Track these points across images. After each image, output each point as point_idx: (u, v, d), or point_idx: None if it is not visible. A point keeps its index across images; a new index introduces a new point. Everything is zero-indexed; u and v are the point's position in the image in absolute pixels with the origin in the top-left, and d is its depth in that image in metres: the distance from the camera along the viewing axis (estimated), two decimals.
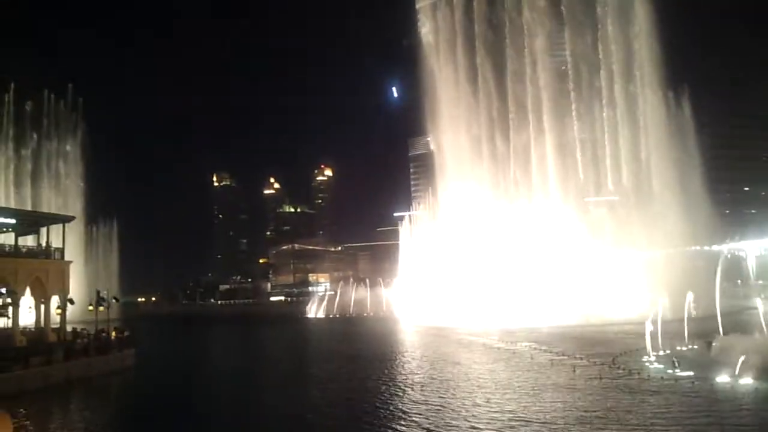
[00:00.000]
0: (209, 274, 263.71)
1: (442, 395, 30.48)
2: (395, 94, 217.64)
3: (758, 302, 35.76)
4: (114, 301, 59.69)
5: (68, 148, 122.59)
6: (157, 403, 32.79)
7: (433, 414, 26.25)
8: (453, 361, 44.02)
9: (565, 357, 41.05)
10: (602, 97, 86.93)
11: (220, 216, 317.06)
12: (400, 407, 27.97)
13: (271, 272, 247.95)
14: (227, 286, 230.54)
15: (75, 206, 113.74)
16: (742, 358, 29.15)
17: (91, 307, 52.34)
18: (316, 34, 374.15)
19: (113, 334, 47.04)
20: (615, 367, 35.09)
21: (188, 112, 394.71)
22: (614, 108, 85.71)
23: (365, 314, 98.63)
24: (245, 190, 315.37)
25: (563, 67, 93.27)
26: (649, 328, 37.08)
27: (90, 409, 31.81)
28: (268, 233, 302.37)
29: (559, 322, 65.73)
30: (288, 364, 48.46)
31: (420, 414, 26.36)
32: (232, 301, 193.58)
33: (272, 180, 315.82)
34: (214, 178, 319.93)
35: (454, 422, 24.68)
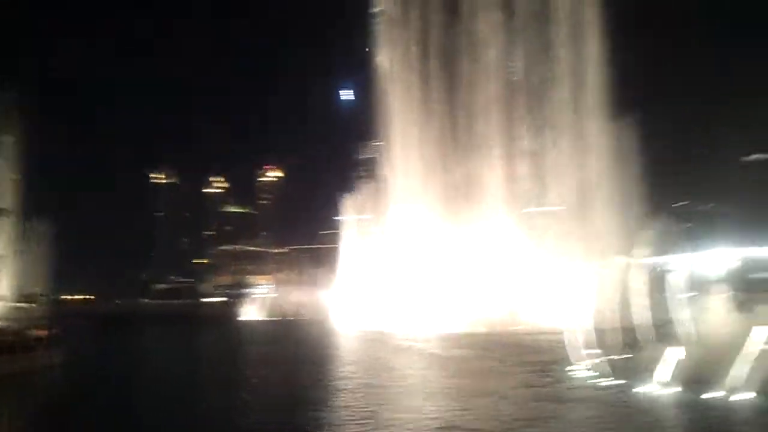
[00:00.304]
0: (147, 273, 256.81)
1: (372, 400, 29.97)
2: (347, 97, 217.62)
3: (682, 314, 36.69)
4: (43, 297, 57.17)
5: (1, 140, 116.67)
6: (76, 401, 31.29)
7: (362, 419, 25.73)
8: (388, 367, 43.75)
9: (499, 364, 41.35)
10: (551, 112, 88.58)
11: (161, 213, 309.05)
12: (329, 413, 27.34)
13: (211, 272, 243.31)
14: (165, 285, 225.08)
15: (6, 200, 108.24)
16: (666, 368, 29.68)
17: (20, 304, 50.12)
18: (269, 33, 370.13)
19: (39, 332, 45.09)
20: (546, 375, 35.46)
21: (131, 106, 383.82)
22: (561, 124, 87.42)
23: (305, 317, 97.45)
24: (188, 188, 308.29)
25: (515, 78, 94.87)
26: (580, 337, 37.60)
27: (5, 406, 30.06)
28: (210, 232, 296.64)
29: (495, 329, 66.48)
30: (220, 366, 47.20)
31: (349, 419, 25.79)
32: (169, 301, 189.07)
33: (216, 178, 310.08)
34: (157, 175, 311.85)
35: (382, 428, 24.21)
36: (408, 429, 23.80)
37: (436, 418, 25.60)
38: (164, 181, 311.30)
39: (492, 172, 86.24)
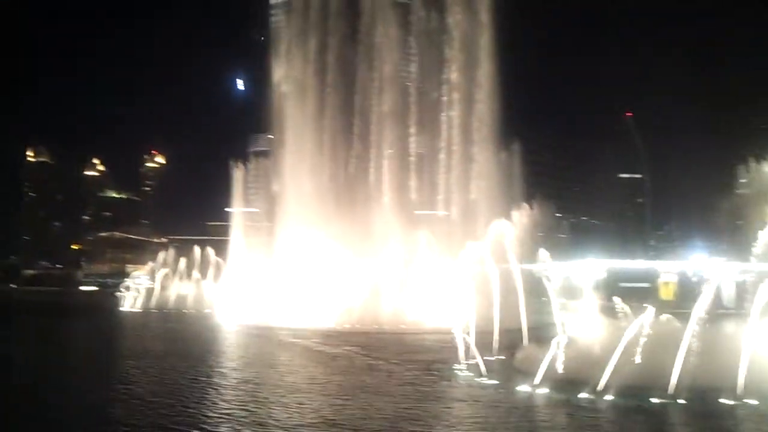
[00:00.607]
0: (12, 257, 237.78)
1: (251, 397, 29.20)
2: (240, 87, 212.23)
3: (558, 318, 38.58)
4: None
5: None
6: None
7: (238, 417, 24.92)
8: (270, 363, 42.93)
9: (384, 362, 41.62)
10: (442, 120, 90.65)
11: (32, 194, 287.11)
12: (204, 410, 26.25)
13: (85, 259, 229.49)
14: (36, 271, 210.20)
15: None
16: (543, 369, 31.02)
17: None
18: (162, 16, 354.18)
19: None
20: (429, 374, 36.09)
21: (7, 75, 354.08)
22: (450, 132, 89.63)
23: (186, 310, 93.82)
24: (63, 169, 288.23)
25: (407, 83, 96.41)
26: (462, 337, 38.57)
27: None
28: (86, 218, 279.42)
29: (382, 328, 67.09)
30: (92, 359, 44.23)
31: (224, 416, 24.87)
32: (40, 288, 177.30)
33: (96, 161, 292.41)
34: (29, 152, 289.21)
35: (259, 424, 23.53)
36: (286, 426, 23.30)
37: (316, 415, 25.30)
38: (37, 159, 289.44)
39: (383, 176, 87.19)
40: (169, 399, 28.14)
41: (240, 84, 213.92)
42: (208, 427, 22.91)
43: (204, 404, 27.26)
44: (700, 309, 29.95)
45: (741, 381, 27.51)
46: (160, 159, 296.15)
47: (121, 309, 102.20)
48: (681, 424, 25.12)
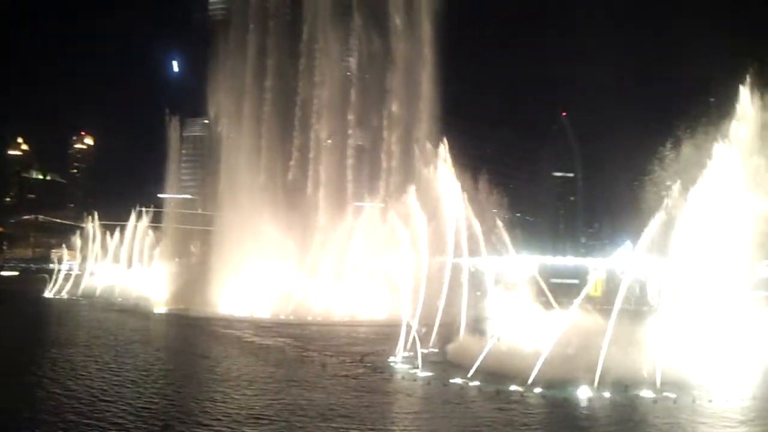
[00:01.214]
0: None
1: (178, 389, 28.31)
2: (175, 70, 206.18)
3: (493, 311, 39.19)
4: None
5: None
6: None
7: (161, 409, 24.08)
8: (200, 354, 41.88)
9: (316, 353, 41.24)
10: (381, 113, 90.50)
11: None
12: (125, 403, 25.23)
13: (6, 243, 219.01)
14: None
15: None
16: (477, 361, 31.35)
17: None
18: None
19: None
20: (362, 366, 35.96)
21: None
22: (391, 126, 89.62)
23: (114, 298, 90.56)
24: None
25: (348, 73, 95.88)
26: (397, 329, 38.69)
27: None
28: (8, 199, 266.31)
29: (317, 319, 66.68)
30: (9, 349, 41.83)
31: (145, 409, 23.95)
32: None
33: (20, 140, 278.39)
34: None
35: (181, 417, 22.76)
36: (209, 421, 22.63)
37: (244, 407, 24.73)
38: None
39: (320, 166, 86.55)
40: (87, 392, 26.89)
41: (175, 66, 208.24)
42: (125, 423, 21.93)
43: (124, 397, 26.20)
44: (620, 304, 31.12)
45: (660, 374, 28.71)
46: (89, 140, 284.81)
47: (44, 296, 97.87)
48: (605, 416, 25.84)
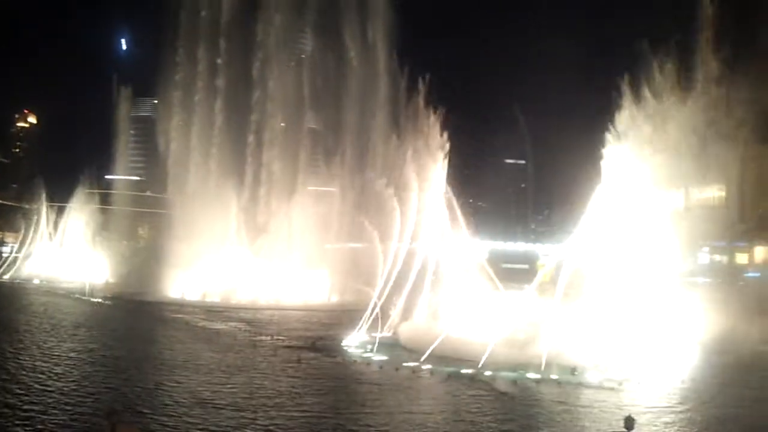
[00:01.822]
0: None
1: (123, 376, 27.58)
2: (124, 47, 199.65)
3: (446, 296, 39.58)
4: None
5: None
6: None
7: (108, 395, 23.46)
8: (147, 339, 40.97)
9: (269, 338, 40.88)
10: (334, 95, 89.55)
11: None
12: (70, 387, 24.52)
13: None
14: None
15: None
16: (429, 344, 31.78)
17: None
18: None
19: None
20: (314, 350, 35.79)
21: None
22: (344, 111, 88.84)
23: (56, 281, 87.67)
24: None
25: (302, 55, 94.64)
26: (350, 314, 38.71)
27: None
28: None
29: (269, 303, 66.21)
30: None
31: (84, 395, 23.27)
32: None
33: None
34: None
35: (127, 403, 22.18)
36: (156, 405, 22.19)
37: (190, 394, 24.32)
38: None
39: (275, 148, 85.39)
40: (26, 378, 25.97)
41: (123, 44, 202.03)
42: (67, 410, 21.27)
43: (67, 383, 25.44)
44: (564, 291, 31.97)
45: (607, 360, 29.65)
46: (32, 119, 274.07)
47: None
48: (547, 397, 26.39)
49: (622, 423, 15.23)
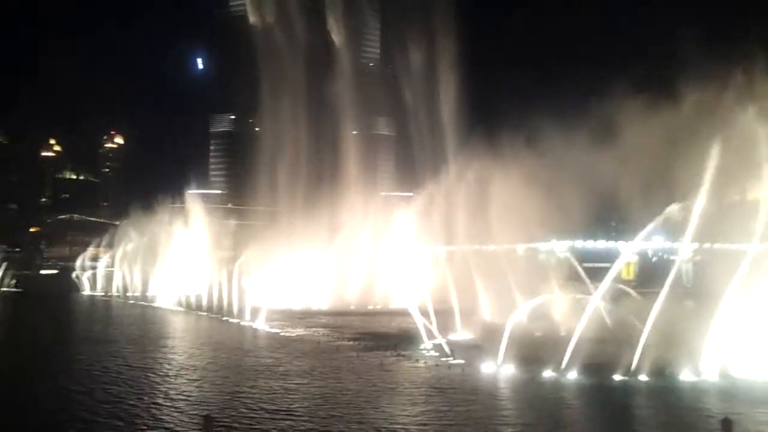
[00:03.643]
0: None
1: (213, 382, 28.69)
2: (200, 66, 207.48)
3: (517, 296, 38.93)
4: None
5: None
6: None
7: (202, 399, 24.50)
8: (231, 347, 42.14)
9: (350, 343, 41.32)
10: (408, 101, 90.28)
11: None
12: (167, 394, 25.74)
13: (44, 243, 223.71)
14: None
15: None
16: (506, 348, 31.10)
17: None
18: None
19: None
20: (395, 354, 35.86)
21: None
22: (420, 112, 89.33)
23: (147, 296, 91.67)
24: (18, 150, 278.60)
25: (371, 64, 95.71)
26: (429, 318, 38.70)
27: None
28: (44, 200, 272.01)
29: (347, 308, 66.97)
30: (50, 346, 42.63)
31: (184, 399, 24.40)
32: None
33: (53, 141, 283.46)
34: None
35: (221, 408, 23.09)
36: (247, 410, 22.96)
37: (268, 399, 24.96)
38: None
39: (350, 157, 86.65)
40: (116, 381, 27.49)
41: (199, 64, 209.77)
42: (159, 414, 22.33)
43: (169, 389, 26.72)
44: (665, 288, 30.46)
45: (703, 359, 28.19)
46: (119, 140, 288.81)
47: (80, 294, 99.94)
48: (641, 400, 25.47)
49: (719, 426, 14.61)
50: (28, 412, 23.23)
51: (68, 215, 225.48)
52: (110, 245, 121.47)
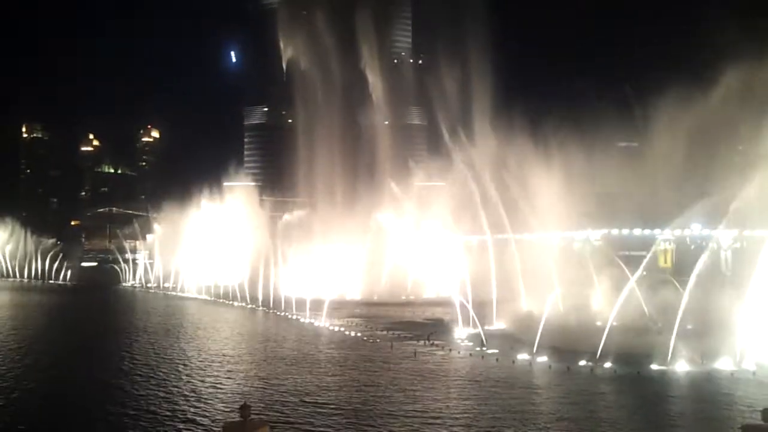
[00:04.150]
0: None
1: (248, 372, 29.27)
2: (233, 60, 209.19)
3: (553, 286, 38.65)
4: None
5: None
6: None
7: (240, 390, 25.01)
8: (266, 337, 42.84)
9: (384, 332, 41.54)
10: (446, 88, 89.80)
11: (28, 171, 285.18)
12: (206, 384, 26.33)
13: (84, 235, 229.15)
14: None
15: None
16: (540, 338, 31.00)
17: None
18: None
19: None
20: (430, 344, 36.00)
21: (2, 55, 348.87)
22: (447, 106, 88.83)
23: (184, 287, 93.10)
24: (59, 145, 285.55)
25: (402, 53, 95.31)
26: (464, 308, 38.69)
27: None
28: (83, 193, 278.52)
29: (381, 299, 67.18)
30: (96, 337, 43.80)
31: (216, 386, 24.96)
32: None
33: (91, 136, 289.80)
34: (24, 129, 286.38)
35: (260, 397, 23.58)
36: (282, 400, 23.36)
37: (302, 389, 25.32)
38: (32, 135, 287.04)
39: (386, 147, 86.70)
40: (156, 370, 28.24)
41: (233, 57, 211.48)
42: (202, 399, 22.84)
43: (203, 379, 27.33)
44: (697, 275, 30.02)
45: (740, 348, 27.72)
46: (155, 133, 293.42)
47: (120, 284, 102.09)
48: (678, 390, 25.20)
49: (759, 416, 14.37)
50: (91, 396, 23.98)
51: (107, 208, 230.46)
52: (147, 237, 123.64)
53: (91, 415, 22.55)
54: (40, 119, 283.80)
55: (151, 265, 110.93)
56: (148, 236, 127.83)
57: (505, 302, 42.77)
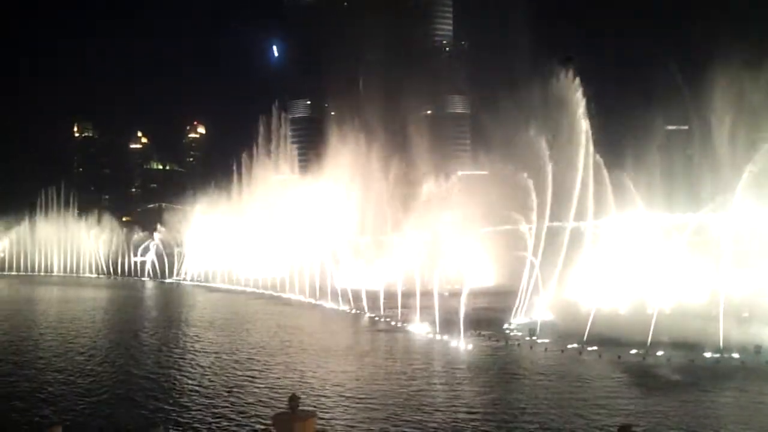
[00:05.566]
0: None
1: (293, 365, 30.05)
2: (275, 54, 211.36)
3: (601, 277, 38.27)
4: None
5: None
6: None
7: (279, 382, 25.76)
8: (313, 329, 43.37)
9: (429, 323, 41.71)
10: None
11: (80, 169, 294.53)
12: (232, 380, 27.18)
13: (135, 231, 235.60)
14: None
15: None
16: (588, 328, 30.94)
17: None
18: None
19: None
20: (478, 335, 36.14)
21: (53, 55, 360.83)
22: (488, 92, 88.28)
23: (234, 278, 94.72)
24: (109, 143, 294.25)
25: (444, 41, 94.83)
26: (510, 298, 38.72)
27: None
28: (133, 190, 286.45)
29: (427, 289, 67.25)
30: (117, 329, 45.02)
31: (262, 379, 25.72)
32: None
33: (140, 134, 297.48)
34: (75, 128, 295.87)
35: (301, 389, 24.29)
36: (328, 391, 24.20)
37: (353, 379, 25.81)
38: (83, 134, 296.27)
39: (424, 136, 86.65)
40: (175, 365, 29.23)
41: (275, 51, 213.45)
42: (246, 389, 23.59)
43: (244, 371, 28.16)
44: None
45: None
46: (202, 129, 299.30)
47: (171, 280, 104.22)
48: (732, 381, 24.87)
49: None
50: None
51: (156, 204, 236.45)
52: (193, 232, 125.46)
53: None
54: (89, 118, 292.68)
55: (197, 259, 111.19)
56: (193, 231, 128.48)
57: (555, 292, 42.43)
